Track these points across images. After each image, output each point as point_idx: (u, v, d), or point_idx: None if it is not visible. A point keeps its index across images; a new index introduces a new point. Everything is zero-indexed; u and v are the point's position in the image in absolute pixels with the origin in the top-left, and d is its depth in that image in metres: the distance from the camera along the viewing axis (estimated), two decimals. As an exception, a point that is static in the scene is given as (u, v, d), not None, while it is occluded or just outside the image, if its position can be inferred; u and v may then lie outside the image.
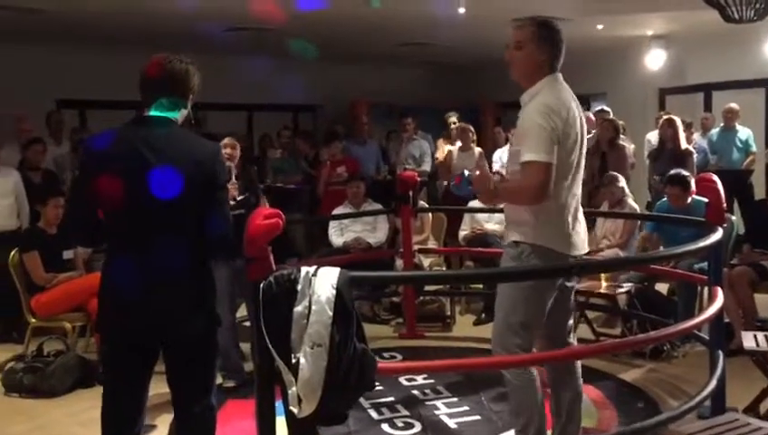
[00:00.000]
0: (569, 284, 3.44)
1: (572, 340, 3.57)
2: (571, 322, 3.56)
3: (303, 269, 2.91)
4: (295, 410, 2.87)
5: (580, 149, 3.27)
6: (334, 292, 2.85)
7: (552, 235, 3.21)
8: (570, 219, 3.24)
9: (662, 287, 6.16)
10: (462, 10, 7.83)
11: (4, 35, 8.08)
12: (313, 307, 2.83)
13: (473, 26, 8.28)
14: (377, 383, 4.68)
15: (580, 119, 3.29)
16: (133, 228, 2.75)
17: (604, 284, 5.62)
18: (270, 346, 2.86)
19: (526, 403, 3.31)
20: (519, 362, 3.31)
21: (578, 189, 3.31)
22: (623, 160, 7.71)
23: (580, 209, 3.36)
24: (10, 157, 6.85)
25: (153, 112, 2.80)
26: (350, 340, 2.86)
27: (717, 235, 3.86)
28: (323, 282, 2.87)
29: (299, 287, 2.87)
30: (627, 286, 5.51)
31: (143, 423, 3.04)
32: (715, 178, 4.14)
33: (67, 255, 5.57)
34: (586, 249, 3.37)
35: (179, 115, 2.86)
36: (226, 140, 4.87)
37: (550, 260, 3.21)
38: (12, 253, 5.41)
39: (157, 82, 2.81)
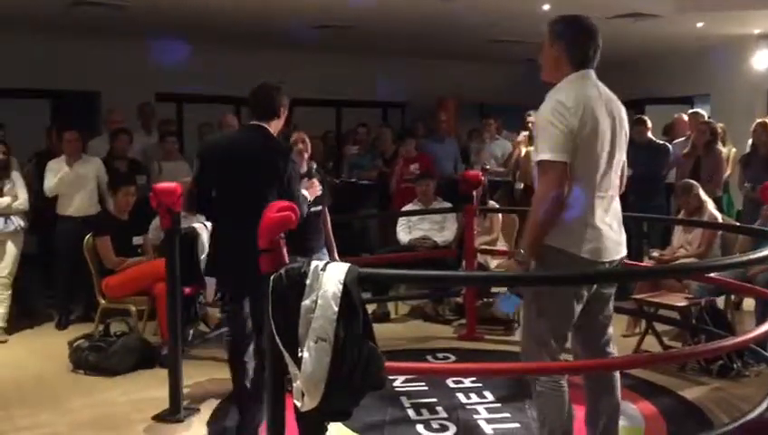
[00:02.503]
0: (605, 290, 3.27)
1: (612, 350, 3.40)
2: (610, 331, 3.38)
3: (313, 263, 2.91)
4: (298, 404, 2.88)
5: (611, 151, 3.11)
6: (341, 287, 2.83)
7: (573, 238, 3.06)
8: (596, 222, 3.08)
9: (750, 303, 5.82)
10: (546, 7, 7.64)
11: (103, 31, 8.53)
12: (319, 302, 2.83)
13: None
14: (423, 383, 4.77)
15: (614, 119, 3.13)
16: (224, 204, 3.83)
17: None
18: (277, 339, 2.89)
19: (552, 413, 3.18)
20: (550, 370, 3.19)
21: (607, 193, 3.14)
22: (719, 166, 7.31)
23: (616, 215, 3.19)
24: (99, 146, 7.23)
25: (252, 121, 3.88)
26: (355, 336, 2.83)
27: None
28: (331, 277, 2.86)
29: (308, 281, 2.88)
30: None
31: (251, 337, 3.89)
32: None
33: (137, 240, 5.83)
34: (618, 256, 3.18)
35: (272, 123, 3.87)
36: (295, 135, 4.88)
37: (567, 264, 3.07)
38: (86, 237, 5.70)
39: (253, 100, 3.88)
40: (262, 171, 3.73)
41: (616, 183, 3.20)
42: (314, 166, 4.75)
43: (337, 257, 4.98)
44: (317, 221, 4.74)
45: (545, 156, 2.98)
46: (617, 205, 3.22)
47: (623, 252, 3.22)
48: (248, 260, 3.31)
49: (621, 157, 3.22)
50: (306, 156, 4.73)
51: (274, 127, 3.87)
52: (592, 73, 3.14)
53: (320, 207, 4.75)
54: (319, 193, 4.52)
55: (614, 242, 3.15)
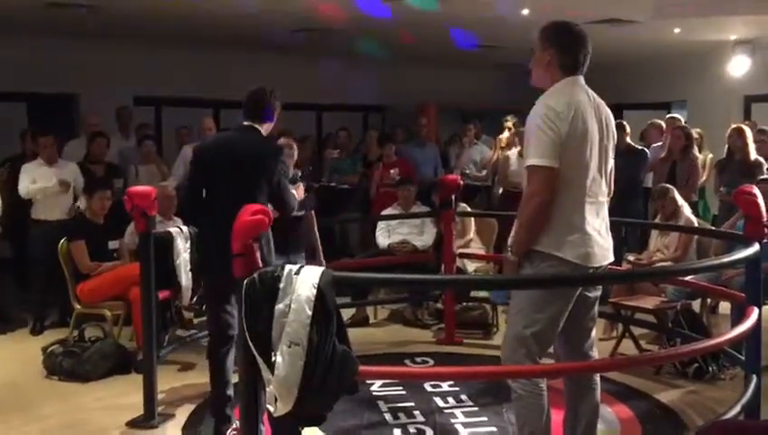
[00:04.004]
0: (590, 294, 3.29)
1: (594, 353, 3.42)
2: (593, 334, 3.40)
3: (287, 267, 2.89)
4: (271, 409, 2.86)
5: (600, 156, 3.15)
6: (315, 291, 2.82)
7: (562, 243, 3.09)
8: (585, 227, 3.10)
9: (726, 307, 5.87)
10: (525, 12, 7.67)
11: (80, 33, 8.45)
12: (293, 306, 2.81)
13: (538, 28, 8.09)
14: (400, 388, 4.75)
15: (603, 124, 3.16)
16: (214, 203, 3.89)
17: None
18: (250, 343, 2.86)
19: (531, 416, 3.19)
20: (529, 373, 3.19)
21: (597, 199, 3.16)
22: (694, 170, 7.34)
23: (604, 220, 3.21)
24: (76, 150, 7.17)
25: (245, 122, 3.99)
26: (329, 340, 2.82)
27: (753, 249, 3.62)
28: (305, 281, 2.84)
29: (281, 285, 2.86)
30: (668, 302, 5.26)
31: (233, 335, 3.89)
32: (756, 190, 3.87)
33: (113, 245, 5.78)
34: (605, 262, 3.21)
35: (264, 126, 4.01)
36: (283, 140, 4.94)
37: (555, 269, 3.08)
38: (61, 242, 5.64)
39: (248, 102, 4.00)
40: (253, 171, 3.86)
41: (605, 189, 3.22)
42: (299, 173, 4.79)
43: (323, 261, 5.02)
44: (295, 226, 4.76)
45: (534, 161, 3.01)
46: (605, 211, 3.24)
47: (610, 258, 3.24)
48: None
49: (610, 162, 3.25)
50: (292, 161, 4.78)
51: (266, 130, 4.04)
52: (582, 79, 3.17)
53: (301, 213, 4.76)
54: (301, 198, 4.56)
55: (602, 248, 3.16)
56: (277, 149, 4.08)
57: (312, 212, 5.12)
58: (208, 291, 4.15)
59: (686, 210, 5.85)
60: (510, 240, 3.21)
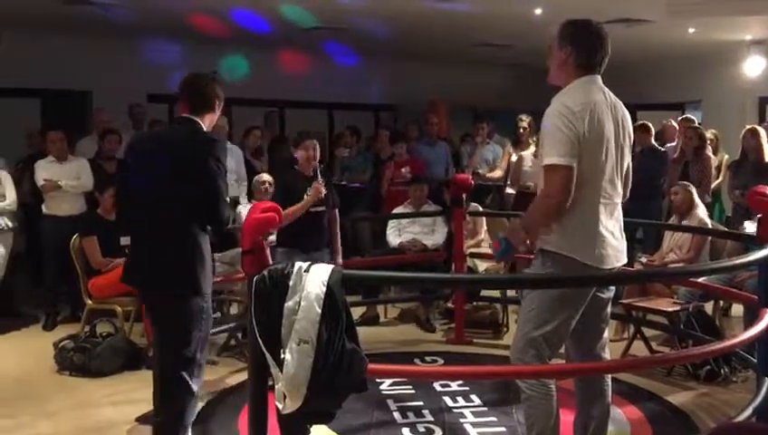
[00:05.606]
0: (603, 295, 3.27)
1: (606, 354, 3.40)
2: (605, 335, 3.38)
3: (297, 265, 2.90)
4: (280, 406, 2.86)
5: (616, 156, 3.12)
6: (324, 289, 2.82)
7: (575, 244, 3.07)
8: (599, 228, 3.07)
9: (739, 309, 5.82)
10: (538, 11, 7.65)
11: (94, 30, 8.49)
12: (302, 303, 2.82)
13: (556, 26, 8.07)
14: (410, 387, 4.74)
15: (619, 124, 3.14)
16: (141, 205, 3.41)
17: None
18: (259, 340, 2.87)
19: (540, 417, 3.18)
20: (539, 374, 3.17)
21: (612, 199, 3.14)
22: (707, 171, 7.30)
23: (618, 222, 3.18)
24: (88, 146, 7.20)
25: (183, 114, 3.48)
26: (338, 338, 2.82)
27: (766, 251, 3.58)
28: (314, 278, 2.85)
29: (291, 283, 2.86)
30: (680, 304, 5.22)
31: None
32: (769, 191, 3.84)
33: (124, 241, 5.77)
34: (619, 263, 3.19)
35: (206, 117, 3.45)
36: (307, 142, 5.03)
37: (568, 270, 3.06)
38: (73, 237, 5.66)
39: (185, 92, 3.46)
40: (180, 168, 3.28)
41: (620, 190, 3.19)
42: (319, 168, 4.91)
43: (340, 260, 5.05)
44: (316, 221, 4.91)
45: (552, 159, 2.98)
46: (620, 212, 3.22)
47: (623, 259, 3.22)
48: (158, 266, 3.32)
49: (626, 163, 3.22)
50: (314, 163, 4.95)
51: (209, 120, 3.45)
52: (599, 79, 3.14)
53: (321, 208, 4.91)
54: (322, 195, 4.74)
55: (615, 249, 3.14)
56: (208, 144, 3.34)
57: (336, 211, 5.17)
58: (142, 303, 3.83)
59: (700, 211, 5.81)
60: (522, 221, 3.19)
